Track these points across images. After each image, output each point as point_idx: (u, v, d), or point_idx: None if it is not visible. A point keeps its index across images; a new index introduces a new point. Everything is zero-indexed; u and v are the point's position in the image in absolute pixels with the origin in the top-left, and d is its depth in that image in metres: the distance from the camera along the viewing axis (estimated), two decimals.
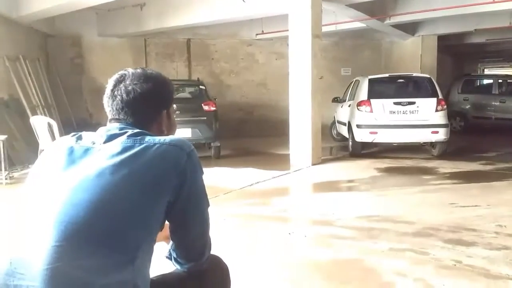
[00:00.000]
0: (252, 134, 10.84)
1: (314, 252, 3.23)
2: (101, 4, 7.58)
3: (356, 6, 7.99)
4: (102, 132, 1.21)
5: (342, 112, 8.67)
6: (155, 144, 1.15)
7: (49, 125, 5.90)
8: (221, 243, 3.28)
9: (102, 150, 1.15)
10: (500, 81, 11.50)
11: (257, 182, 5.66)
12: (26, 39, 8.74)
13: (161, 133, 1.30)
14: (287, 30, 7.14)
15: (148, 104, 1.28)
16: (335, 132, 9.84)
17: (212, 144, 7.68)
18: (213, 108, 7.57)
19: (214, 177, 6.06)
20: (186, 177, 1.15)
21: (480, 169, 6.52)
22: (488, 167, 6.61)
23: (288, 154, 7.09)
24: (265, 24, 10.39)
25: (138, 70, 1.30)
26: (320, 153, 7.18)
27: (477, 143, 9.26)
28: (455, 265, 2.85)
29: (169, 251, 1.30)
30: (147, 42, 10.91)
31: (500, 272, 2.72)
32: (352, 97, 8.11)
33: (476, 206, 4.39)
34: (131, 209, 1.08)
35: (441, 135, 7.16)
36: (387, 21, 9.57)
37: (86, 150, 1.16)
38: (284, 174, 6.27)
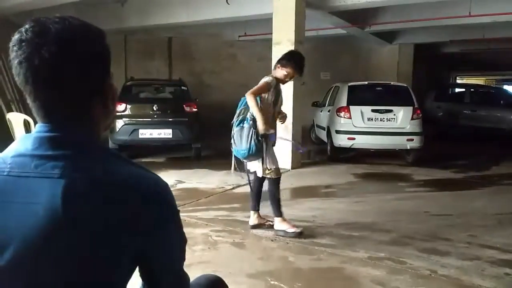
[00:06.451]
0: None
1: (296, 260, 3.31)
2: None
3: (338, 14, 8.14)
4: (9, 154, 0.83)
5: (322, 117, 8.81)
6: (99, 184, 0.78)
7: (27, 122, 5.78)
8: (202, 249, 3.33)
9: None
10: (471, 90, 11.94)
11: (238, 186, 5.70)
12: (3, 32, 8.34)
13: (98, 132, 0.90)
14: (270, 34, 7.20)
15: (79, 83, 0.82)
16: (313, 135, 9.98)
17: (192, 145, 7.68)
18: (194, 109, 7.57)
19: (195, 179, 6.10)
20: (150, 237, 0.83)
21: (452, 177, 6.78)
22: (460, 175, 6.88)
23: None
24: (248, 26, 10.43)
25: (57, 26, 0.79)
26: (300, 157, 7.29)
27: (449, 151, 9.57)
28: (430, 274, 2.99)
29: None
30: (127, 38, 10.78)
31: (472, 282, 2.87)
32: (332, 103, 8.26)
33: (449, 215, 4.57)
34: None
35: (416, 142, 7.40)
36: (367, 29, 9.80)
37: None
38: None
